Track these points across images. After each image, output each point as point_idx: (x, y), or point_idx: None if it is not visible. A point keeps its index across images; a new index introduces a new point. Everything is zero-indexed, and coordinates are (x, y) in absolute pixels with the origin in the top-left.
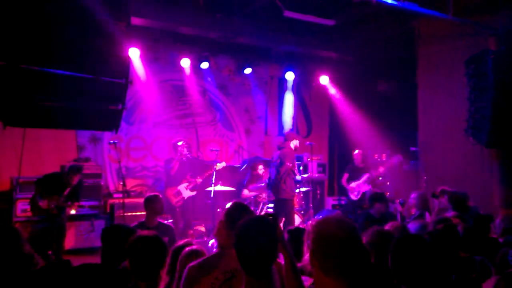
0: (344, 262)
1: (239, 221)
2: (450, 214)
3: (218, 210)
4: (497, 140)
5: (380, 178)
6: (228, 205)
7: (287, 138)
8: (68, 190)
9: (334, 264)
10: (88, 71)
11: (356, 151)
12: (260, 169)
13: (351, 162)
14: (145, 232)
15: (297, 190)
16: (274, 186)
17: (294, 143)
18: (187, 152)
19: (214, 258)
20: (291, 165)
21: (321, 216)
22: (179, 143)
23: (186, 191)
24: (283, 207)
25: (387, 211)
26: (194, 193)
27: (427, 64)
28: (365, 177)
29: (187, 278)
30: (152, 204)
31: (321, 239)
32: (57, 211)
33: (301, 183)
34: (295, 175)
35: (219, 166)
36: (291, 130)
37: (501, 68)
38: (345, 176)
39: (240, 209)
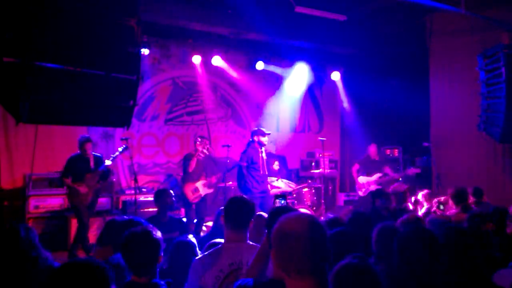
0: (308, 260)
1: (238, 215)
2: (452, 211)
3: None
4: (511, 135)
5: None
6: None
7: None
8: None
9: (297, 265)
10: (99, 68)
11: (370, 145)
12: (276, 165)
13: (366, 155)
14: (138, 228)
15: (305, 189)
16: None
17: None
18: (205, 150)
19: (219, 251)
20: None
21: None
22: (198, 141)
23: (203, 188)
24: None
25: (398, 207)
26: (211, 190)
27: (439, 59)
28: (377, 176)
29: (193, 271)
30: (162, 199)
31: (280, 236)
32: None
33: (312, 178)
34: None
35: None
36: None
37: None
38: (356, 166)
39: (241, 203)
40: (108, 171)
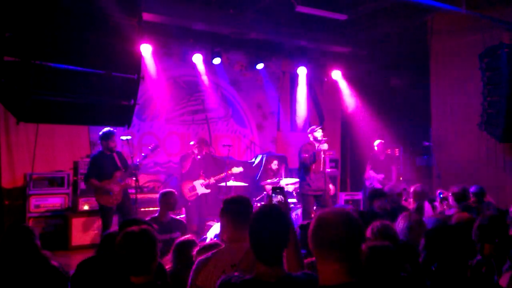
0: (342, 246)
1: (238, 215)
2: (452, 211)
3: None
4: None
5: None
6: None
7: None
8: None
9: (330, 249)
10: (100, 67)
11: (377, 142)
12: (274, 164)
13: (373, 153)
14: (133, 228)
15: None
16: None
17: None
18: (198, 152)
19: (222, 252)
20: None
21: None
22: (191, 143)
23: (201, 188)
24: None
25: (396, 206)
26: (208, 191)
27: (440, 58)
28: (380, 177)
29: (195, 271)
30: (166, 200)
31: (319, 225)
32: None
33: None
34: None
35: (236, 170)
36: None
37: None
38: (368, 167)
39: (240, 202)
40: (137, 167)
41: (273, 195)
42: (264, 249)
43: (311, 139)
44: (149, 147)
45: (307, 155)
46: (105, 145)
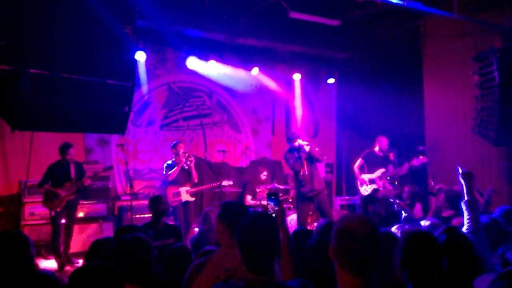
0: (364, 261)
1: (234, 221)
2: (447, 213)
3: None
4: (506, 138)
5: (388, 178)
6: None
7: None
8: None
9: (353, 264)
10: (94, 75)
11: (381, 137)
12: (264, 175)
13: (370, 150)
14: (128, 235)
15: None
16: None
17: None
18: (186, 160)
19: (216, 257)
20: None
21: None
22: (181, 151)
23: (185, 195)
24: None
25: (389, 211)
26: (192, 199)
27: (433, 62)
28: (380, 172)
29: (189, 277)
30: (155, 205)
31: (343, 235)
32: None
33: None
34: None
35: (226, 183)
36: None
37: (507, 66)
38: (360, 162)
39: (236, 209)
40: (84, 188)
41: (268, 201)
42: (253, 259)
43: (296, 144)
44: (103, 168)
45: (292, 161)
46: (62, 157)
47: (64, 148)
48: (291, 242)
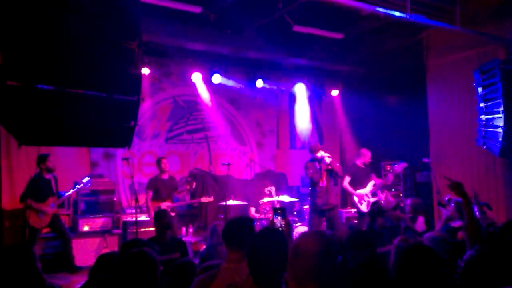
0: (320, 277)
1: (236, 235)
2: (457, 224)
3: None
4: (510, 149)
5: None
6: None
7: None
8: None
9: (298, 281)
10: (100, 90)
11: (363, 149)
12: (268, 190)
13: (353, 164)
14: (134, 249)
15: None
16: None
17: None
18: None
19: (219, 272)
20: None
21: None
22: (162, 162)
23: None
24: None
25: (395, 224)
26: (172, 214)
27: (436, 75)
28: (371, 185)
29: None
30: (159, 219)
31: (297, 253)
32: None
33: None
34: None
35: (205, 200)
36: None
37: (510, 77)
38: (348, 179)
39: (237, 223)
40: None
41: (274, 216)
42: (262, 273)
43: (318, 155)
44: (84, 180)
45: (312, 171)
46: (44, 167)
47: (44, 158)
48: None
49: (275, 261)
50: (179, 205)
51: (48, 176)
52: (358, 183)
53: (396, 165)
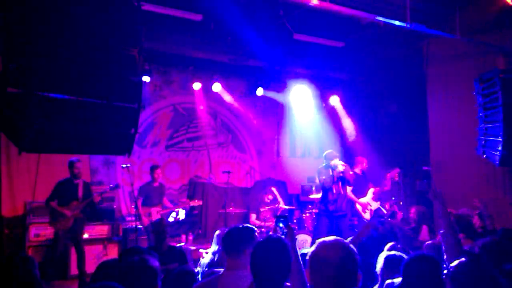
0: (342, 286)
1: (235, 243)
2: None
3: None
4: (510, 158)
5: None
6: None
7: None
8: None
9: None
10: (101, 97)
11: (361, 158)
12: (268, 198)
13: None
14: (134, 257)
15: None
16: None
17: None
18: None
19: (218, 279)
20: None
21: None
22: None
23: (156, 215)
24: None
25: (385, 231)
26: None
27: (436, 83)
28: (371, 192)
29: None
30: (157, 228)
31: (316, 262)
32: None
33: (313, 203)
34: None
35: (181, 212)
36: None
37: (510, 86)
38: (349, 188)
39: (236, 230)
40: (94, 204)
41: (277, 224)
42: (264, 280)
43: (332, 163)
44: (110, 185)
45: (325, 176)
46: (71, 172)
47: (71, 164)
48: (300, 265)
49: (278, 268)
50: (169, 211)
51: (77, 181)
52: (357, 191)
53: (388, 173)
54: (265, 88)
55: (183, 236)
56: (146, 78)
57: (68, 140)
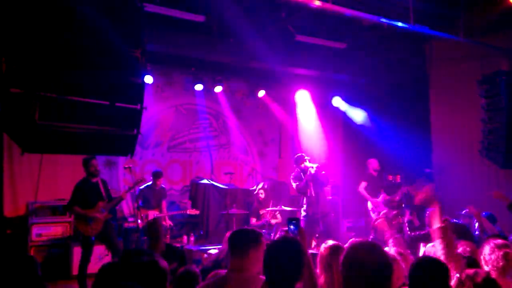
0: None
1: (238, 244)
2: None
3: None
4: None
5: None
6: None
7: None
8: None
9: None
10: (103, 98)
11: (371, 159)
12: (261, 193)
13: (367, 171)
14: (144, 258)
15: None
16: None
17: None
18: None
19: (221, 281)
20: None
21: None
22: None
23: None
24: None
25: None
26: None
27: (439, 85)
28: (381, 197)
29: None
30: (150, 229)
31: (352, 264)
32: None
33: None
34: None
35: (191, 212)
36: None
37: None
38: (364, 184)
39: (241, 232)
40: (120, 199)
41: (288, 226)
42: (277, 281)
43: (302, 166)
44: (137, 179)
45: (298, 182)
46: (87, 171)
47: (86, 161)
48: (311, 266)
49: (291, 269)
50: (165, 215)
51: (94, 180)
52: (372, 191)
53: (425, 187)
54: (266, 90)
55: (185, 237)
56: (148, 79)
57: (71, 140)
